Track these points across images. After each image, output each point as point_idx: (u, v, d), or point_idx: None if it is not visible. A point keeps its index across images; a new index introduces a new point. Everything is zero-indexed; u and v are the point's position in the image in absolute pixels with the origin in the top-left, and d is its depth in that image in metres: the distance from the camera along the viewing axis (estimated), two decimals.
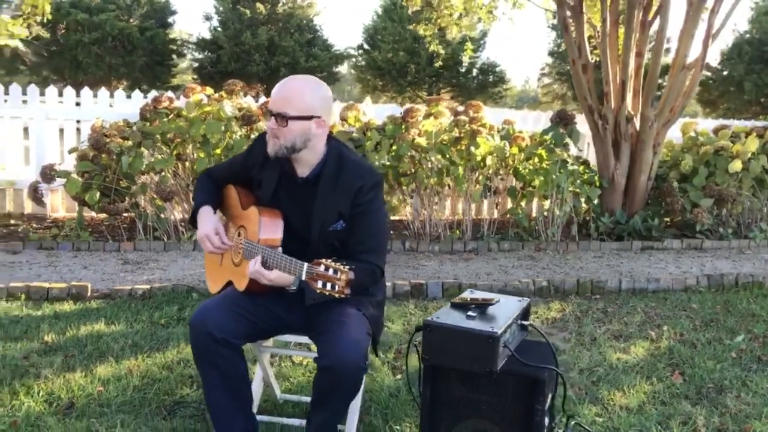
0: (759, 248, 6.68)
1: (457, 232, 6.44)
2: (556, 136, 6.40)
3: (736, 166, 6.59)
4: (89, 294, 4.23)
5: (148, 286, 4.31)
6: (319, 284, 1.97)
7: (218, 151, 5.81)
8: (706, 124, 7.90)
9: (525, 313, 2.34)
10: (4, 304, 4.02)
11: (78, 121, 6.95)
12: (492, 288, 4.50)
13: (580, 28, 6.78)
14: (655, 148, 6.68)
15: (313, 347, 2.35)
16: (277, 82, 2.33)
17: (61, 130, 6.95)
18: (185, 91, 6.12)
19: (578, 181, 6.42)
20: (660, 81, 7.64)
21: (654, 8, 6.73)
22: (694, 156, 6.86)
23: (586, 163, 6.85)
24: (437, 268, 5.41)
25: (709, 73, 27.53)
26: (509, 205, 6.76)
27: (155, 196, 5.76)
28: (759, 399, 3.03)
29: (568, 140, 6.48)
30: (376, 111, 7.10)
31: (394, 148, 5.98)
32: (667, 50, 14.05)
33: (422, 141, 6.08)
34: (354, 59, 32.22)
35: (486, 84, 31.28)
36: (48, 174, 5.72)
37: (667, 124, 6.68)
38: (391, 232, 6.51)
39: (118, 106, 7.11)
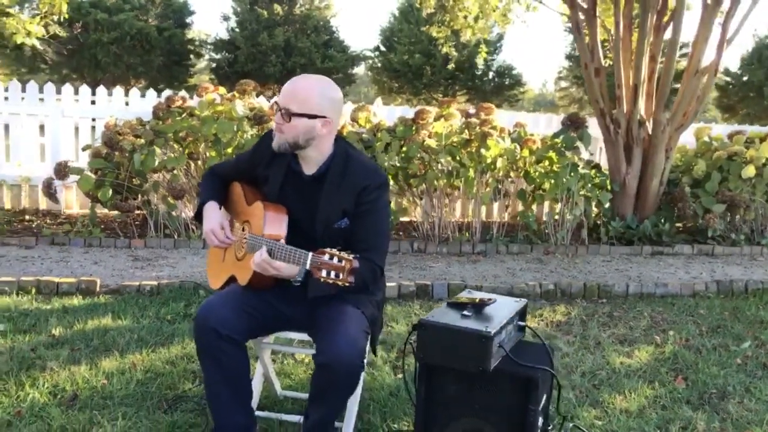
0: None
1: (466, 234, 6.44)
2: (567, 139, 6.38)
3: (750, 171, 6.52)
4: (98, 289, 4.29)
5: (155, 283, 4.37)
6: (323, 273, 2.00)
7: (229, 150, 5.86)
8: (721, 130, 7.81)
9: (522, 314, 2.35)
10: (15, 297, 4.09)
11: (93, 119, 7.04)
12: (497, 290, 4.50)
13: (593, 31, 6.76)
14: (668, 152, 6.63)
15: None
16: None
17: (77, 128, 7.03)
18: (198, 91, 6.19)
19: (589, 185, 6.39)
20: (674, 85, 7.57)
21: (668, 12, 6.69)
22: (707, 161, 6.79)
23: (597, 166, 6.81)
24: (444, 269, 5.42)
25: (728, 79, 27.26)
26: (519, 207, 6.75)
27: (167, 193, 5.81)
28: (762, 405, 3.01)
29: (578, 143, 6.46)
30: (388, 112, 7.13)
31: (404, 149, 6.00)
32: (682, 56, 13.94)
33: (432, 142, 6.08)
34: (370, 61, 32.26)
35: (502, 87, 31.15)
36: (62, 171, 5.80)
37: (680, 128, 6.62)
38: (400, 233, 6.53)
39: (132, 104, 7.21)
